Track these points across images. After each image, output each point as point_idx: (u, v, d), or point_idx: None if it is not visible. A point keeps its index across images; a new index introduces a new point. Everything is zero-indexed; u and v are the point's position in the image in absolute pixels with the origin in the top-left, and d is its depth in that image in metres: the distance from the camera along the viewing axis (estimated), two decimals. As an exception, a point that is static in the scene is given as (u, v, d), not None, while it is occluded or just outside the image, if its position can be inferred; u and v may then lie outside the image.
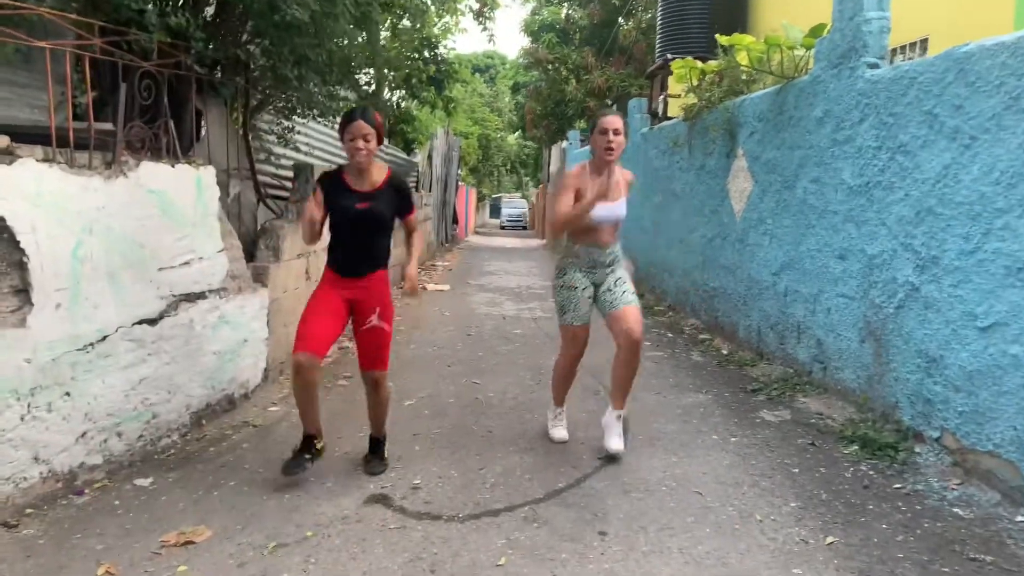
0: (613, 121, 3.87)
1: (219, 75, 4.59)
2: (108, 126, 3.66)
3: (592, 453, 4.08)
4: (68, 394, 3.32)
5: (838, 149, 4.78)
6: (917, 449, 3.90)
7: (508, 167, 46.19)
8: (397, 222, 3.71)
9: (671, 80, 11.40)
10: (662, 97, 12.13)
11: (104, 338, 3.49)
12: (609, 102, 19.06)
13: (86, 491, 3.41)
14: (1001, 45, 3.37)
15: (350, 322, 3.68)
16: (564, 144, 20.33)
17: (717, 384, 5.43)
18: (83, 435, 3.42)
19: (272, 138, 5.81)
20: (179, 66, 4.14)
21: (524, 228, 39.47)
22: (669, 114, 11.72)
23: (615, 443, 4.00)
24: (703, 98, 6.96)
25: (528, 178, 50.52)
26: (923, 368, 3.90)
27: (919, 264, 3.93)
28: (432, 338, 6.88)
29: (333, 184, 3.53)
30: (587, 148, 12.87)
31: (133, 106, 3.87)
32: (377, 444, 3.88)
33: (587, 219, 3.85)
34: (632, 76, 18.11)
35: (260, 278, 4.83)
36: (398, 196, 3.60)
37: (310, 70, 4.46)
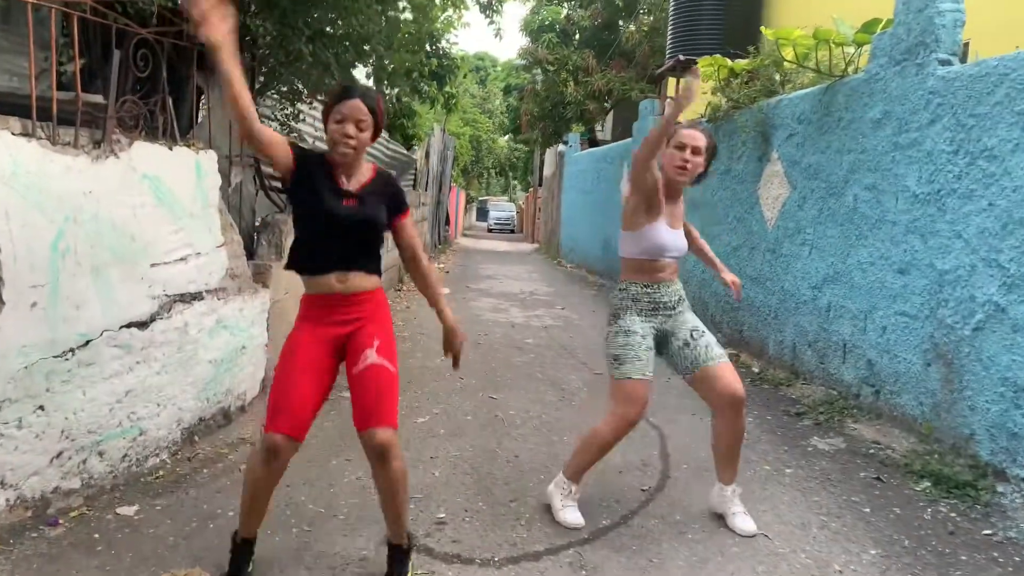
0: (695, 137, 3.08)
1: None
2: (98, 98, 3.17)
3: (635, 484, 3.64)
4: (42, 408, 2.83)
5: (900, 154, 4.37)
6: (1000, 489, 3.49)
7: (497, 170, 45.76)
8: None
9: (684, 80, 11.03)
10: (669, 100, 11.74)
11: (87, 343, 3.00)
12: (608, 105, 18.69)
13: (60, 521, 2.92)
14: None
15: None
16: (561, 148, 19.93)
17: (756, 405, 5.00)
18: (58, 455, 2.93)
19: (275, 125, 5.32)
20: (180, 36, 3.65)
21: (512, 232, 39.12)
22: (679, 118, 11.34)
23: (747, 524, 3.20)
24: (733, 98, 6.55)
25: (516, 182, 50.14)
26: (1008, 398, 3.49)
27: (1006, 282, 3.52)
28: (438, 348, 6.37)
29: (315, 166, 2.55)
30: (590, 151, 12.37)
31: (127, 78, 3.40)
32: (400, 555, 2.70)
33: (660, 233, 3.12)
34: (634, 80, 17.71)
35: (261, 278, 4.35)
36: (388, 192, 2.67)
37: (325, 47, 3.99)
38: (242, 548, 2.63)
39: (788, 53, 5.47)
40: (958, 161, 3.89)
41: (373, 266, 2.68)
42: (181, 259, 3.51)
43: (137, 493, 3.22)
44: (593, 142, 18.95)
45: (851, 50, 5.16)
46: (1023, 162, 3.44)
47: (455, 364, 2.91)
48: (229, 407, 4.00)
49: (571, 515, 3.22)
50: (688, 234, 3.38)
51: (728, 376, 3.14)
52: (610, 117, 19.84)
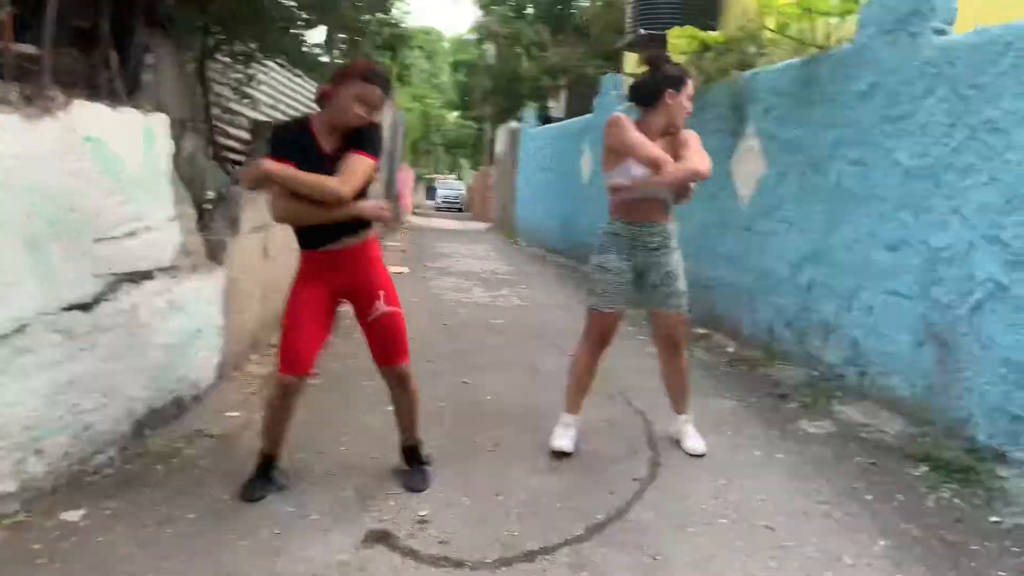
0: (695, 84, 3.52)
1: (173, 2, 3.70)
2: (30, 49, 2.78)
3: (625, 472, 3.43)
4: (-30, 403, 2.48)
5: (891, 127, 4.22)
6: (1001, 473, 3.38)
7: (446, 147, 45.10)
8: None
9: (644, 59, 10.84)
10: (629, 76, 11.53)
11: (21, 328, 2.64)
12: (563, 81, 18.40)
13: (-6, 529, 2.58)
14: None
15: (350, 312, 3.10)
16: (515, 124, 19.62)
17: (738, 388, 4.85)
18: (-9, 455, 2.58)
19: (227, 91, 4.92)
20: (125, -16, 3.28)
21: (460, 210, 38.70)
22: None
23: (698, 444, 3.67)
24: (706, 71, 6.35)
25: (465, 160, 49.52)
26: (1011, 379, 3.38)
27: (1010, 260, 3.40)
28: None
29: (296, 139, 2.79)
30: (547, 127, 12.13)
31: (64, 29, 3.00)
32: (414, 453, 3.28)
33: (655, 179, 3.32)
34: (589, 56, 17.46)
35: (215, 255, 4.00)
36: (355, 139, 2.80)
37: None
38: (266, 461, 3.05)
39: (771, 22, 5.28)
40: (955, 134, 3.75)
41: (356, 224, 2.88)
42: (129, 234, 3.15)
43: (83, 495, 2.87)
44: (547, 119, 18.67)
45: (834, 21, 5.00)
46: (1030, 134, 3.30)
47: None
48: (183, 396, 3.66)
49: (557, 441, 3.58)
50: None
51: (672, 323, 3.58)
52: (564, 94, 19.59)
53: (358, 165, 2.76)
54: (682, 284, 3.56)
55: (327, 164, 2.75)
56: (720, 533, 2.91)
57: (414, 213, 32.88)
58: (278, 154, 2.74)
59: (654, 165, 3.27)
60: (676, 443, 3.79)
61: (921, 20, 4.02)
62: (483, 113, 23.48)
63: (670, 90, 3.37)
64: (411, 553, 2.66)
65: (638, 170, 3.35)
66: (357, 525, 2.83)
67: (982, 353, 3.54)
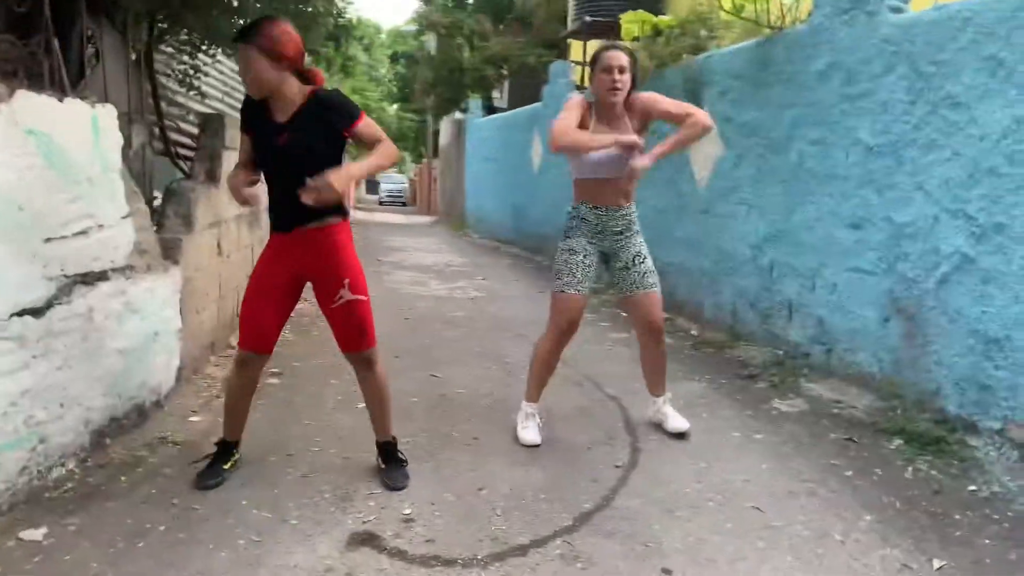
0: (617, 57, 3.33)
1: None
2: (-34, 36, 2.58)
3: (606, 460, 3.39)
4: (-83, 419, 2.29)
5: (850, 105, 4.26)
6: (972, 442, 3.44)
7: (387, 140, 44.40)
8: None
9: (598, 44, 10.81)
10: (572, 65, 11.50)
11: (-31, 336, 2.46)
12: (506, 71, 18.29)
13: (-52, 554, 2.40)
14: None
15: (309, 299, 3.17)
16: (459, 115, 19.45)
17: (706, 370, 4.86)
18: (-59, 475, 2.40)
19: (174, 83, 4.70)
20: (64, -33, 3.07)
21: (403, 204, 38.31)
22: (585, 82, 11.12)
23: (680, 423, 3.67)
24: (659, 55, 6.34)
25: (407, 152, 48.99)
26: (979, 351, 3.44)
27: (975, 232, 3.45)
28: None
29: (255, 113, 2.80)
30: (494, 117, 12.06)
31: (0, 13, 2.79)
32: (390, 449, 3.17)
33: (589, 154, 3.36)
34: (531, 45, 17.39)
35: (170, 253, 3.81)
36: (326, 113, 2.71)
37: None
38: (221, 448, 3.06)
39: (727, 3, 5.28)
40: (916, 111, 3.79)
41: (325, 207, 2.72)
42: (81, 232, 2.96)
43: (43, 512, 2.69)
44: (491, 109, 18.55)
45: (788, 1, 5.02)
46: (994, 109, 3.35)
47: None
48: (144, 402, 3.48)
49: (526, 434, 3.54)
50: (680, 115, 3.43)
51: (651, 305, 3.53)
52: (507, 84, 19.48)
53: (373, 128, 2.78)
54: (651, 263, 3.56)
55: (280, 133, 2.72)
56: (708, 517, 2.89)
57: (357, 207, 32.45)
58: (243, 126, 2.84)
59: (572, 148, 3.35)
60: (656, 426, 3.77)
61: (877, -1, 4.05)
62: (425, 105, 23.16)
63: (593, 70, 3.40)
64: (399, 554, 2.57)
65: (594, 155, 3.38)
66: (340, 528, 2.72)
67: (950, 326, 3.60)
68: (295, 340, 5.26)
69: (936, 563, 2.57)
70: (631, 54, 3.40)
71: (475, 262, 10.58)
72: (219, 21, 3.99)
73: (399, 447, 3.22)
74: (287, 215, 2.81)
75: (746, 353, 5.09)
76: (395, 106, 38.41)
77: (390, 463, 3.13)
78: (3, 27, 2.83)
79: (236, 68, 6.77)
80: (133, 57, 3.94)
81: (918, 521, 2.88)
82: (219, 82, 5.88)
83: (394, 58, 38.29)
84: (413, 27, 24.08)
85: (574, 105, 3.43)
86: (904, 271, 3.87)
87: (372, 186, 46.06)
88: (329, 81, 14.16)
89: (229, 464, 3.06)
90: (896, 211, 3.93)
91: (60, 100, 2.89)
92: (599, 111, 3.44)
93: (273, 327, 2.93)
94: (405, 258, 10.60)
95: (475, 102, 16.82)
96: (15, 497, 2.69)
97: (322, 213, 2.75)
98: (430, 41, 23.40)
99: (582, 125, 3.41)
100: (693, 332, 5.84)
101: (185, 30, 4.23)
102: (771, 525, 2.83)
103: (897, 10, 4.00)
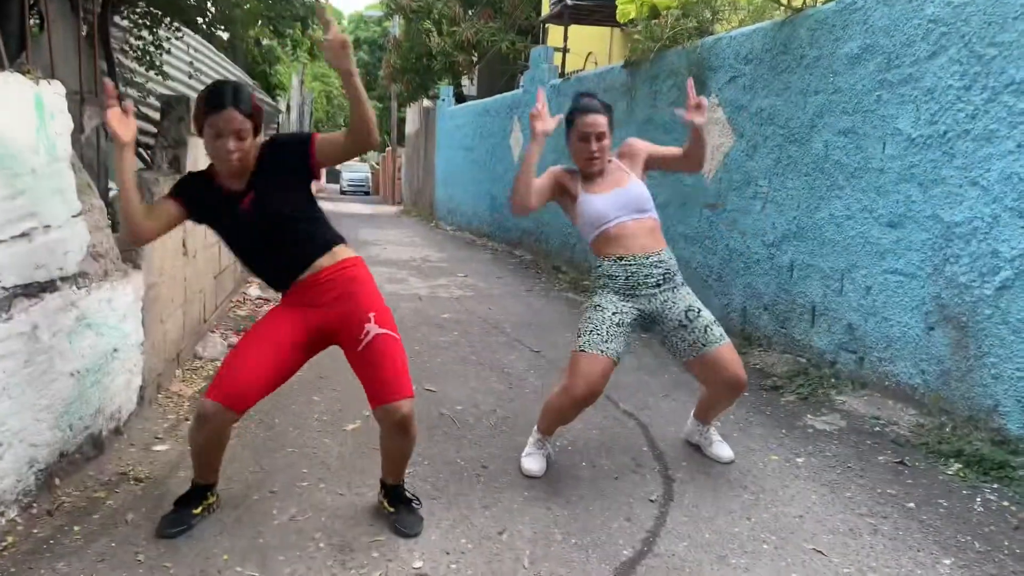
0: (596, 123, 2.93)
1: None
2: None
3: (638, 493, 2.98)
4: None
5: (889, 92, 3.89)
6: (1040, 467, 3.11)
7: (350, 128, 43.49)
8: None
9: (577, 29, 10.35)
10: (552, 51, 11.04)
11: None
12: (475, 58, 17.75)
13: None
14: None
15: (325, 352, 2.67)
16: (427, 103, 18.87)
17: (724, 379, 4.47)
18: None
19: (132, 61, 4.14)
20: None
21: (367, 193, 37.55)
22: (565, 69, 10.69)
23: (726, 451, 3.29)
24: (661, 38, 5.92)
25: (369, 141, 47.86)
26: (1049, 365, 3.09)
27: (1045, 234, 3.10)
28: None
29: (200, 190, 2.50)
30: (470, 104, 11.59)
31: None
32: (398, 492, 2.70)
33: (591, 203, 2.99)
34: (503, 31, 16.88)
35: (130, 256, 3.30)
36: (282, 153, 2.48)
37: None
38: (196, 490, 2.60)
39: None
40: (972, 98, 3.43)
41: (320, 242, 2.51)
42: (22, 235, 2.44)
43: (-23, 579, 2.20)
44: (459, 97, 18.00)
45: (808, -20, 4.64)
46: (1070, 95, 2.99)
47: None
48: (100, 432, 2.97)
49: (528, 463, 3.13)
50: (671, 159, 3.12)
51: (731, 361, 2.97)
52: (477, 71, 18.94)
53: (330, 135, 2.47)
54: (710, 316, 3.02)
55: (242, 198, 2.44)
56: (768, 563, 2.50)
57: (319, 197, 31.66)
58: (190, 200, 2.50)
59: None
60: (687, 449, 3.39)
61: (923, -26, 3.68)
62: (391, 92, 22.47)
63: (568, 129, 3.03)
64: (413, 623, 2.13)
65: (595, 203, 2.99)
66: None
67: (1011, 337, 3.25)
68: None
69: (1041, 621, 2.21)
70: (607, 109, 3.00)
71: (454, 257, 10.09)
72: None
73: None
74: (280, 277, 2.55)
75: (764, 361, 4.72)
76: (358, 93, 37.57)
77: (400, 506, 2.67)
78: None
79: (200, 45, 6.23)
80: (85, 30, 3.39)
81: (1004, 566, 2.52)
82: (183, 62, 5.30)
83: (356, 44, 37.36)
84: (376, 12, 23.33)
85: (552, 176, 3.07)
86: (954, 275, 3.52)
87: (334, 175, 45.13)
88: (294, 64, 13.52)
89: (200, 508, 2.58)
90: (945, 209, 3.57)
91: (-6, 74, 2.36)
92: (584, 173, 3.05)
93: (258, 386, 2.43)
94: (379, 253, 10.06)
95: (446, 89, 16.28)
96: (-60, 562, 2.18)
97: (310, 255, 2.48)
98: (394, 27, 22.70)
99: (572, 187, 3.05)
100: (700, 335, 5.46)
101: (142, 1, 3.69)
102: (840, 572, 2.45)
103: (945, -13, 3.63)
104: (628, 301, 2.96)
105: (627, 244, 2.95)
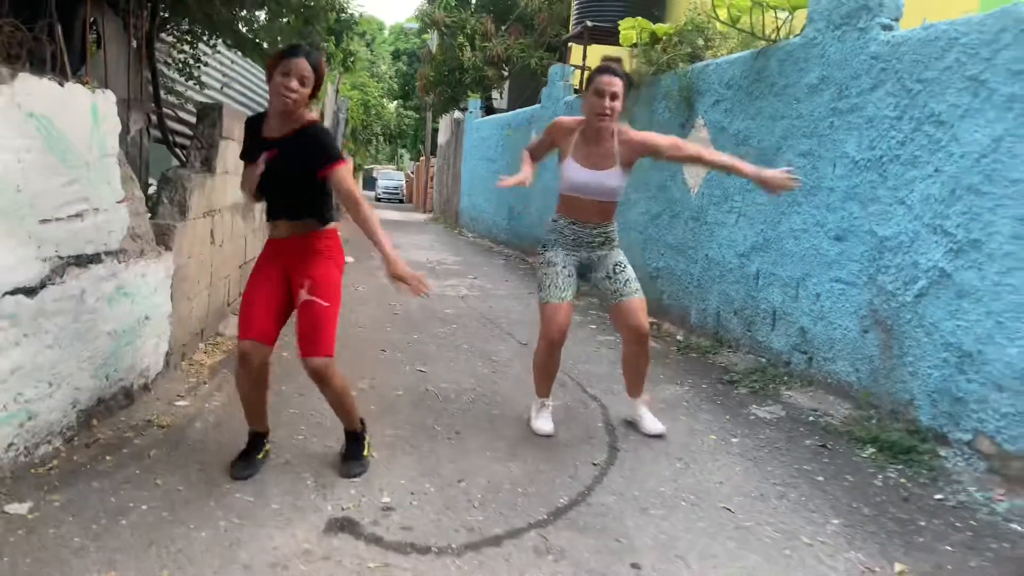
0: (612, 83, 3.37)
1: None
2: (-30, 18, 2.63)
3: (584, 458, 3.46)
4: (-91, 391, 2.34)
5: (839, 119, 4.34)
6: (942, 453, 3.52)
7: (386, 137, 44.54)
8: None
9: (598, 48, 10.86)
10: (573, 69, 11.56)
11: (-38, 313, 2.51)
12: (506, 72, 18.35)
13: (-66, 524, 2.45)
14: (1085, 1, 2.97)
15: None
16: (458, 115, 19.49)
17: (689, 374, 4.93)
18: (-70, 447, 2.45)
19: (174, 72, 4.74)
20: (69, -46, 3.12)
21: (400, 201, 38.34)
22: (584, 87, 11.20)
23: (655, 426, 3.77)
24: (656, 62, 6.42)
25: (404, 150, 48.97)
26: (952, 363, 3.51)
27: (953, 248, 3.53)
28: (354, 318, 6.01)
29: (252, 130, 3.04)
30: (494, 117, 12.13)
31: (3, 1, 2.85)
32: (353, 439, 3.22)
33: (569, 175, 3.56)
34: (532, 47, 17.46)
35: (164, 239, 3.87)
36: (310, 144, 2.90)
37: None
38: (252, 439, 3.15)
39: (723, 14, 5.36)
40: (902, 127, 3.87)
41: (306, 212, 2.99)
42: (76, 215, 3.02)
43: (29, 488, 2.75)
44: (489, 110, 18.61)
45: (784, 15, 5.10)
46: (975, 128, 3.42)
47: (412, 289, 2.97)
48: (131, 385, 3.53)
49: (540, 424, 3.71)
50: (679, 156, 3.65)
51: (637, 311, 3.57)
52: (507, 85, 19.54)
53: (345, 178, 2.92)
54: (632, 272, 3.64)
55: (265, 147, 2.91)
56: (682, 516, 2.96)
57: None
58: (244, 143, 3.04)
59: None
60: (632, 426, 3.84)
61: (869, 15, 4.13)
62: (425, 102, 23.17)
63: (587, 87, 3.47)
64: (376, 540, 2.63)
65: (573, 174, 3.52)
66: (319, 514, 2.78)
67: (925, 339, 3.67)
68: (286, 333, 5.31)
69: (898, 567, 2.64)
70: (628, 79, 3.44)
71: (468, 261, 10.64)
72: (221, 11, 4.03)
73: (383, 438, 3.29)
74: (272, 212, 3.04)
75: (729, 360, 5.17)
76: (395, 103, 38.47)
77: (351, 452, 3.20)
78: (8, 11, 2.88)
79: (234, 59, 6.84)
80: (134, 44, 3.99)
81: (884, 527, 2.95)
82: (218, 72, 5.93)
83: (396, 55, 38.34)
84: (415, 24, 24.06)
85: (549, 128, 3.64)
86: (884, 283, 3.95)
87: (370, 183, 46.04)
88: (329, 76, 14.06)
89: (261, 455, 3.14)
90: (879, 224, 4.00)
91: (61, 85, 2.95)
92: (587, 131, 3.51)
93: (267, 317, 2.95)
94: (399, 255, 10.63)
95: (474, 102, 16.87)
96: (2, 472, 2.74)
97: (302, 218, 2.98)
98: (433, 39, 23.43)
99: (564, 144, 3.56)
100: (679, 337, 5.92)
101: (186, 20, 4.28)
102: (742, 525, 2.90)
103: (887, 28, 4.08)
104: (572, 254, 3.63)
105: (582, 214, 3.58)
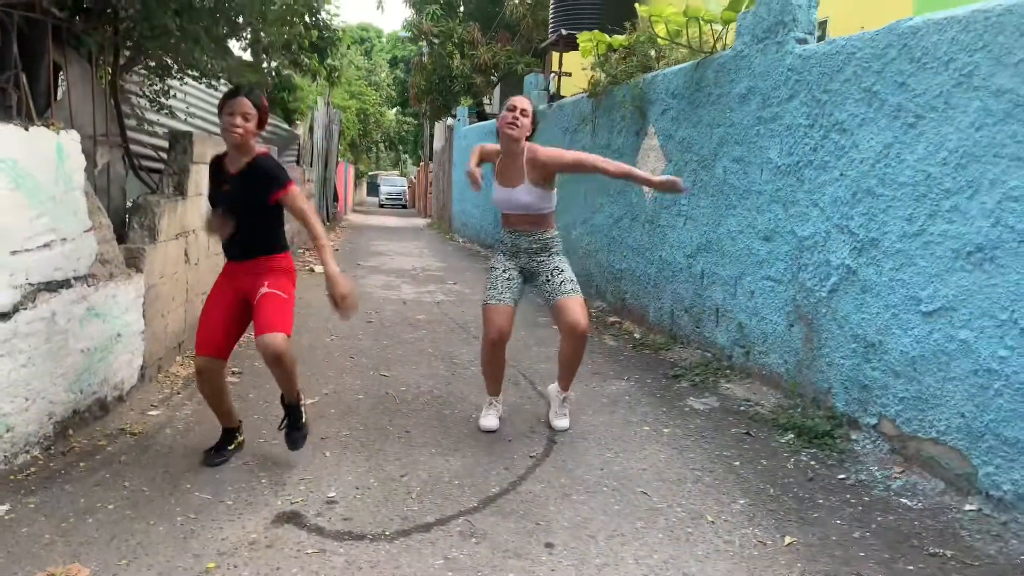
0: (521, 101, 3.86)
1: (81, 23, 3.87)
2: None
3: (523, 451, 3.76)
4: None
5: (764, 127, 4.63)
6: (853, 436, 3.81)
7: (387, 143, 44.98)
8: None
9: (576, 54, 11.17)
10: (553, 75, 11.87)
11: (-59, 338, 2.84)
12: (495, 78, 18.68)
13: (-79, 526, 2.77)
14: (951, 19, 3.25)
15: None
16: (450, 121, 19.81)
17: (636, 370, 5.23)
18: (-85, 458, 2.77)
19: (143, 102, 5.08)
20: (31, 8, 3.44)
21: (403, 206, 38.69)
22: (562, 92, 11.49)
23: (560, 422, 4.05)
24: (611, 73, 6.71)
25: (407, 155, 49.43)
26: (859, 353, 3.80)
27: (856, 246, 3.82)
28: (328, 326, 6.34)
29: (214, 169, 3.42)
30: (478, 125, 12.41)
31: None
32: (293, 411, 3.49)
33: (494, 194, 3.95)
34: (518, 53, 17.77)
35: (134, 262, 4.19)
36: (257, 177, 3.26)
37: (193, 19, 3.84)
38: (226, 433, 3.52)
39: (660, 30, 5.65)
40: (813, 134, 4.16)
41: (263, 243, 3.35)
42: (44, 245, 3.34)
43: (7, 492, 3.07)
44: (482, 115, 18.94)
45: (720, 27, 5.39)
46: (870, 136, 3.71)
47: (340, 314, 3.37)
48: (106, 397, 3.86)
49: (484, 420, 4.02)
50: (584, 170, 3.95)
51: (573, 309, 3.79)
52: (497, 90, 19.86)
53: (297, 199, 3.29)
54: (571, 275, 3.90)
55: (223, 180, 3.30)
56: (600, 500, 3.25)
57: (355, 210, 32.85)
58: (209, 187, 3.47)
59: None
60: (574, 420, 4.14)
61: (785, 30, 4.42)
62: (421, 109, 23.53)
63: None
64: (317, 530, 2.93)
65: (494, 191, 3.96)
66: (268, 508, 3.09)
67: (838, 331, 3.96)
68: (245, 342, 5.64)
69: (787, 539, 2.93)
70: (534, 104, 3.99)
71: (452, 267, 10.96)
72: (184, 50, 4.36)
73: (338, 438, 3.59)
74: (233, 247, 3.38)
75: (678, 355, 5.46)
76: (394, 110, 38.87)
77: (292, 424, 3.49)
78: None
79: (198, 90, 7.17)
80: (102, 84, 4.32)
81: (785, 504, 3.24)
82: (190, 98, 6.27)
83: (393, 62, 38.75)
84: (408, 33, 24.40)
85: (479, 147, 4.12)
86: (804, 280, 4.24)
87: (373, 189, 46.43)
88: (314, 90, 14.33)
89: (232, 446, 3.52)
90: (798, 225, 4.29)
91: (26, 129, 3.27)
92: (504, 149, 3.90)
93: (222, 333, 3.32)
94: (384, 263, 10.99)
95: (462, 109, 17.19)
96: (-18, 479, 3.06)
97: (259, 250, 3.34)
98: (425, 47, 23.79)
99: (495, 163, 3.98)
100: (636, 335, 6.21)
101: (150, 61, 4.61)
102: (655, 507, 3.20)
103: (802, 41, 4.36)
104: (512, 260, 3.95)
105: (515, 224, 3.92)
